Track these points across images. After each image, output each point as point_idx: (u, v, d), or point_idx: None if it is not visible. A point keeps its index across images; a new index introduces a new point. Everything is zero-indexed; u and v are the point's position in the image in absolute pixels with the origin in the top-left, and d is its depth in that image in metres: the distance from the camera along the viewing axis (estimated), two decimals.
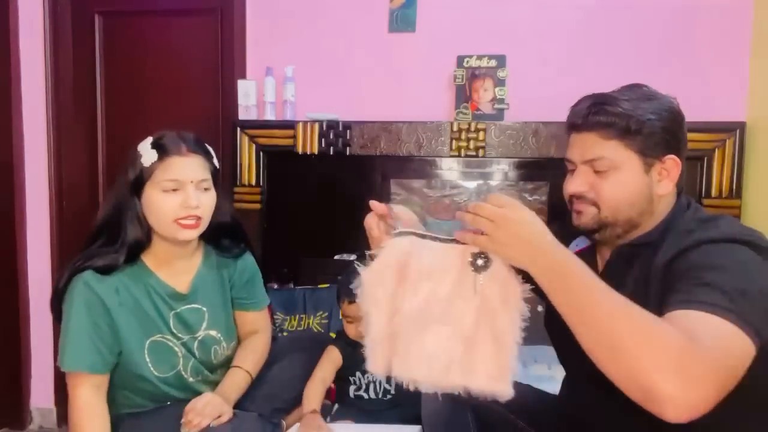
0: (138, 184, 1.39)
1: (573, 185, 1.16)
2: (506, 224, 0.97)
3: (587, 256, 1.22)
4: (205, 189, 1.42)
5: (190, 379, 1.51)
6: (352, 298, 1.56)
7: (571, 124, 1.17)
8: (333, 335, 2.03)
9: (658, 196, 1.13)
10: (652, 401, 0.84)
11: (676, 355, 0.84)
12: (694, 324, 0.90)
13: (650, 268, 1.08)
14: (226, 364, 1.59)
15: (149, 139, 1.41)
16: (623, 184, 1.12)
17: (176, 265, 1.49)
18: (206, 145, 1.48)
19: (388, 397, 1.75)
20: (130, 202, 1.40)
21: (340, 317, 1.80)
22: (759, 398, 1.03)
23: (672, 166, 1.12)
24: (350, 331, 1.73)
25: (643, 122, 1.09)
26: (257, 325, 1.65)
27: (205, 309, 1.52)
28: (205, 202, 1.41)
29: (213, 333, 1.53)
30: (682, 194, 1.18)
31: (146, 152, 1.38)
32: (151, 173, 1.38)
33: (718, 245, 1.01)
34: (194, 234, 1.42)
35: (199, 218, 1.40)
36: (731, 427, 0.99)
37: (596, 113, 1.11)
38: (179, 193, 1.38)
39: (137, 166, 1.39)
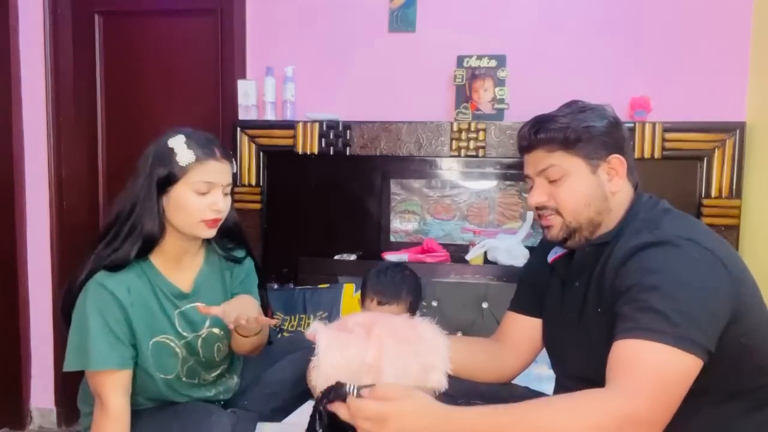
0: (168, 181, 1.40)
1: (533, 197, 1.27)
2: (393, 423, 0.90)
3: (565, 260, 1.31)
4: (227, 194, 1.47)
5: (186, 382, 1.52)
6: (384, 297, 1.56)
7: (519, 146, 1.29)
8: None
9: (612, 193, 1.22)
10: None
11: (625, 423, 0.94)
12: (637, 356, 1.00)
13: (605, 269, 1.17)
14: (226, 361, 1.60)
15: (181, 137, 1.41)
16: (576, 188, 1.21)
17: (182, 262, 1.51)
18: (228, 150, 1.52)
19: None
20: (153, 197, 1.41)
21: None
22: (720, 393, 1.10)
23: (617, 164, 1.22)
24: None
25: (580, 131, 1.20)
26: None
27: None
28: (227, 206, 1.47)
29: (216, 331, 1.54)
30: (638, 189, 1.26)
31: (182, 151, 1.40)
32: (186, 173, 1.40)
33: (652, 251, 1.08)
34: (214, 232, 1.47)
35: (220, 220, 1.46)
36: (698, 418, 1.08)
37: (537, 132, 1.23)
38: (209, 195, 1.42)
39: (170, 164, 1.40)
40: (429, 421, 0.93)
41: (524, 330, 1.42)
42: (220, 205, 1.42)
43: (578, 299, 1.24)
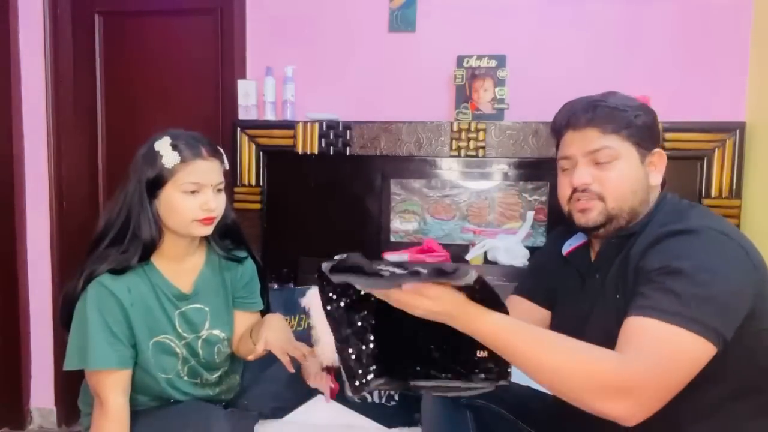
0: (157, 184, 1.41)
1: (578, 178, 1.20)
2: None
3: (582, 251, 1.29)
4: (219, 191, 1.47)
5: (188, 381, 1.52)
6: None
7: (566, 124, 1.23)
8: None
9: (651, 186, 1.21)
10: (610, 419, 0.98)
11: (614, 383, 0.96)
12: (647, 332, 1.00)
13: (629, 257, 1.15)
14: (227, 362, 1.61)
15: (167, 139, 1.42)
16: (625, 173, 1.18)
17: (182, 263, 1.51)
18: (218, 146, 1.50)
19: (392, 403, 1.74)
20: (145, 201, 1.41)
21: None
22: (732, 386, 1.09)
23: (659, 158, 1.22)
24: None
25: (635, 117, 1.18)
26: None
27: (207, 309, 1.54)
28: (220, 204, 1.46)
29: (216, 332, 1.55)
30: (665, 187, 1.26)
31: (168, 153, 1.40)
32: (173, 175, 1.40)
33: (682, 237, 1.08)
34: (210, 230, 1.47)
35: (214, 218, 1.46)
36: (709, 416, 1.10)
37: (594, 110, 1.19)
38: (198, 195, 1.42)
39: (157, 167, 1.40)
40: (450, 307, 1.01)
41: (529, 315, 1.39)
42: (211, 204, 1.42)
43: (596, 290, 1.22)
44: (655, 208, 1.20)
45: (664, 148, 1.25)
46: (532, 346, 1.01)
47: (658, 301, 1.02)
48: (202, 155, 1.42)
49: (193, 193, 1.41)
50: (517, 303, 1.42)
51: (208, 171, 1.43)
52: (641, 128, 1.18)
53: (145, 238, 1.42)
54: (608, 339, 1.12)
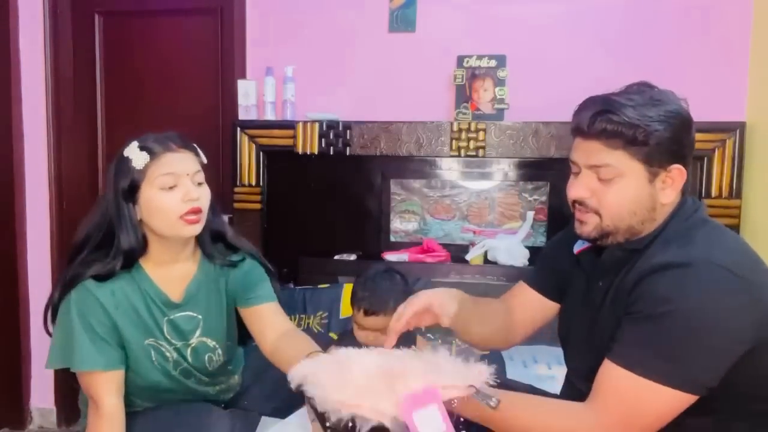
0: (132, 189, 1.37)
1: (575, 190, 1.15)
2: None
3: (591, 255, 1.25)
4: (200, 183, 1.42)
5: (184, 380, 1.51)
6: (370, 308, 1.54)
7: (575, 128, 1.14)
8: (334, 336, 2.03)
9: (661, 204, 1.12)
10: None
11: None
12: (619, 383, 1.04)
13: (628, 277, 1.11)
14: (222, 370, 1.58)
15: (134, 144, 1.39)
16: (626, 193, 1.10)
17: (173, 268, 1.47)
18: (191, 142, 1.47)
19: None
20: (123, 210, 1.38)
21: (352, 323, 1.64)
22: (730, 411, 1.08)
23: (677, 175, 1.10)
24: (360, 336, 1.59)
25: (650, 133, 1.06)
26: (282, 323, 1.53)
27: (200, 316, 1.49)
28: (203, 195, 1.41)
29: (206, 340, 1.51)
30: (685, 196, 1.16)
31: (137, 156, 1.37)
32: (146, 173, 1.36)
33: (675, 273, 1.03)
34: (198, 229, 1.41)
35: (200, 211, 1.40)
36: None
37: (602, 121, 1.08)
38: (178, 188, 1.37)
39: (130, 172, 1.36)
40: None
41: (534, 305, 1.39)
42: (192, 194, 1.37)
43: (599, 299, 1.19)
44: (667, 223, 1.13)
45: (684, 162, 1.11)
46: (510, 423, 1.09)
47: (632, 350, 1.03)
48: (171, 148, 1.38)
49: (172, 189, 1.37)
50: (523, 291, 1.41)
51: (181, 161, 1.39)
52: (655, 146, 1.07)
53: (125, 248, 1.38)
54: (602, 354, 1.11)
